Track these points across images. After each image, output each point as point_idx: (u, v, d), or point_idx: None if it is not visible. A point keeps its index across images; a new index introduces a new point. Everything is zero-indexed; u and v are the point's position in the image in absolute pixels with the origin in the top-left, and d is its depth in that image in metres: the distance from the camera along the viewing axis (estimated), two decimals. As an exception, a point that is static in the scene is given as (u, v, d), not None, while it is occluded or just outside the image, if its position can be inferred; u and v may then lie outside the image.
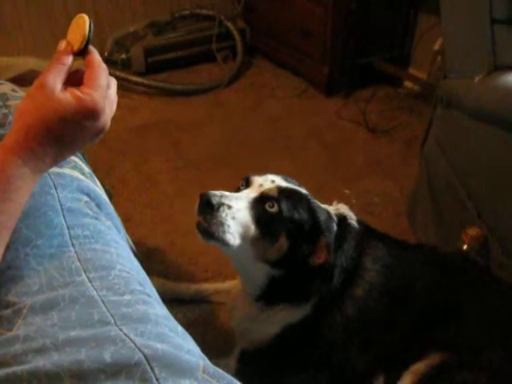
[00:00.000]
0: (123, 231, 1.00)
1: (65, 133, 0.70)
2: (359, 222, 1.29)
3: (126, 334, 0.65)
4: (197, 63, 3.22)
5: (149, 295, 0.76)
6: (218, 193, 1.12)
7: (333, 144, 2.43)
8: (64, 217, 0.82)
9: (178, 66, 3.17)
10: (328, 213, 1.24)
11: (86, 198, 0.90)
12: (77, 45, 0.74)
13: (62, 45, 0.74)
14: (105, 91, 0.72)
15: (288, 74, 3.09)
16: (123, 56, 3.07)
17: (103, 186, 1.29)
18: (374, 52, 2.86)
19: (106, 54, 3.10)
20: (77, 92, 0.70)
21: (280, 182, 1.21)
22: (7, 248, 0.71)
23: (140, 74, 3.02)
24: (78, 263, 0.75)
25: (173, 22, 3.24)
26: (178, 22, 3.26)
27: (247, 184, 1.23)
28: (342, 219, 1.26)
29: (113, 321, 0.67)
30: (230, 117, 2.74)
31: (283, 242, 1.15)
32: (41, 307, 0.68)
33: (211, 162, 2.36)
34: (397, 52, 2.95)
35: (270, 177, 1.22)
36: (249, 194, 1.17)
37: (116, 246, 0.82)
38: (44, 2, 2.88)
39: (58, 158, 0.73)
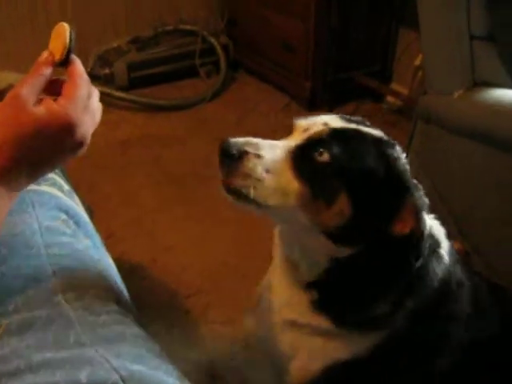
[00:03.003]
0: (102, 249, 0.99)
1: (39, 148, 0.66)
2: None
3: (102, 356, 0.64)
4: (180, 78, 3.21)
5: (126, 315, 0.75)
6: (241, 139, 0.86)
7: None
8: (41, 236, 0.81)
9: (161, 81, 3.17)
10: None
11: (64, 216, 0.89)
12: (58, 54, 0.71)
13: (43, 55, 0.71)
14: (84, 102, 0.69)
15: (271, 88, 3.10)
16: (106, 71, 3.06)
17: (83, 203, 1.28)
18: (356, 67, 2.89)
19: (89, 69, 3.08)
20: (51, 104, 0.66)
21: (336, 123, 0.89)
22: (-18, 268, 0.70)
23: (123, 89, 3.01)
24: (55, 283, 0.74)
25: (156, 38, 3.24)
26: (161, 37, 3.26)
27: (291, 132, 0.94)
28: (433, 245, 0.92)
29: (89, 342, 0.66)
30: (213, 132, 2.73)
31: (344, 203, 0.83)
32: (17, 328, 0.67)
33: (194, 177, 2.35)
34: (379, 67, 2.97)
35: (322, 118, 0.90)
36: (289, 142, 0.88)
37: (94, 264, 0.82)
38: (27, 17, 2.88)
39: (35, 175, 0.70)
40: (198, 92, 3.05)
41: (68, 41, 0.71)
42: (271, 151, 0.84)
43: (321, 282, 0.91)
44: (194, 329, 1.66)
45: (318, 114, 0.91)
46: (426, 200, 0.88)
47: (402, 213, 0.84)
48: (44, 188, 0.94)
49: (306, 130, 0.88)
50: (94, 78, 3.00)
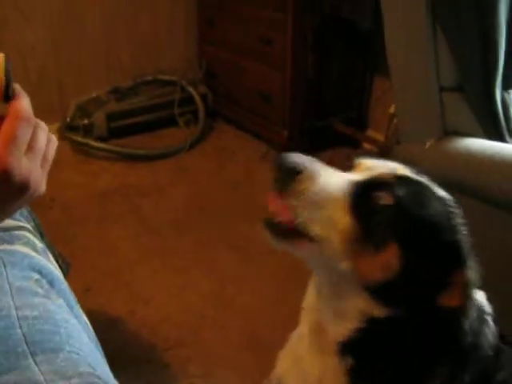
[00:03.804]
0: (76, 307, 0.98)
1: None
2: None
3: (72, 423, 0.63)
4: (159, 128, 3.24)
5: (99, 377, 0.74)
6: (302, 156, 0.79)
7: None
8: (12, 297, 0.80)
9: (140, 130, 3.19)
10: None
11: (36, 276, 0.88)
12: None
13: None
14: (22, 144, 0.63)
15: (249, 137, 3.14)
16: (85, 121, 3.08)
17: (60, 258, 1.28)
18: (332, 114, 2.94)
19: (68, 119, 3.10)
20: None
21: (403, 170, 0.83)
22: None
23: (102, 139, 3.03)
24: (25, 346, 0.73)
25: (135, 88, 3.29)
26: (141, 87, 3.30)
27: (352, 168, 0.87)
28: (481, 312, 0.83)
29: (59, 408, 0.65)
30: (193, 181, 2.75)
31: (392, 254, 0.75)
32: (-17, 395, 0.66)
33: (173, 227, 2.35)
34: (355, 114, 3.03)
35: (390, 164, 0.84)
36: (351, 176, 0.81)
37: (66, 325, 0.80)
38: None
39: None
40: (177, 141, 3.07)
41: (3, 74, 0.64)
42: (330, 177, 0.78)
43: (354, 345, 0.81)
44: (172, 382, 1.63)
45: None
46: (477, 276, 0.79)
47: (452, 285, 0.77)
48: (17, 247, 0.93)
49: (369, 168, 0.83)
50: (73, 129, 3.03)
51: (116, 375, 0.84)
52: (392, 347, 0.78)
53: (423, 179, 0.83)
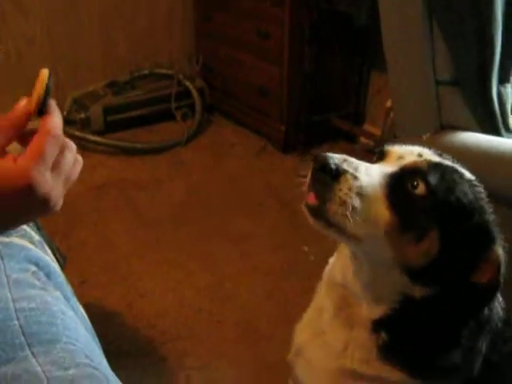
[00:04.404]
0: (73, 299, 0.98)
1: None
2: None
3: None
4: (156, 122, 3.24)
5: (95, 368, 0.74)
6: (339, 155, 0.78)
7: (291, 201, 2.46)
8: (9, 289, 0.80)
9: (137, 124, 3.20)
10: None
11: (33, 268, 0.88)
12: (33, 104, 0.66)
13: (21, 103, 0.67)
14: (49, 160, 0.64)
15: (246, 131, 3.14)
16: (82, 115, 3.08)
17: (57, 251, 1.28)
18: (329, 109, 2.94)
19: (64, 113, 3.10)
20: (9, 161, 0.63)
21: (431, 156, 0.85)
22: None
23: (99, 133, 3.02)
24: (23, 338, 0.73)
25: (132, 82, 3.28)
26: (137, 81, 3.30)
27: (381, 157, 0.88)
28: None
29: (56, 398, 0.65)
30: (189, 175, 2.75)
31: (433, 241, 0.78)
32: (-19, 386, 0.66)
33: (169, 221, 2.35)
34: (352, 109, 3.04)
35: (417, 149, 0.86)
36: (383, 167, 0.82)
37: (63, 317, 0.81)
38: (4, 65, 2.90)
39: None
40: (174, 135, 3.07)
41: (43, 89, 0.66)
42: (367, 174, 0.78)
43: (389, 322, 0.84)
44: (170, 376, 1.63)
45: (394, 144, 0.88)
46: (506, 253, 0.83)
47: (484, 263, 0.81)
48: (14, 240, 0.93)
49: (400, 157, 0.84)
50: (70, 123, 3.03)
51: (113, 368, 0.85)
52: (424, 323, 0.83)
53: (451, 163, 0.85)
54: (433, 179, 0.78)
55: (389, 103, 2.64)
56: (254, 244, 2.19)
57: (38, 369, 0.69)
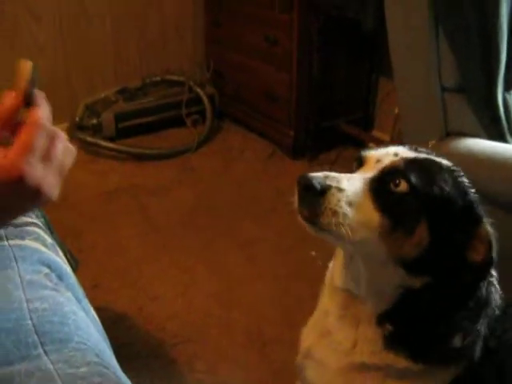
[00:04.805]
0: (84, 301, 1.01)
1: None
2: None
3: (80, 408, 0.66)
4: (167, 128, 3.28)
5: (106, 367, 0.77)
6: (319, 174, 0.83)
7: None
8: (23, 290, 0.84)
9: (148, 130, 3.23)
10: None
11: (46, 270, 0.91)
12: (19, 97, 0.65)
13: (7, 96, 0.65)
14: (38, 152, 0.64)
15: (256, 137, 3.16)
16: (94, 121, 3.11)
17: (69, 254, 1.31)
18: (338, 115, 2.96)
19: (77, 119, 3.14)
20: None
21: (406, 153, 0.89)
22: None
23: (111, 139, 3.07)
24: (36, 337, 0.76)
25: (143, 88, 3.32)
26: (149, 87, 3.34)
27: (360, 164, 0.92)
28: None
29: (68, 394, 0.68)
30: (199, 181, 2.78)
31: (423, 232, 0.83)
32: (-4, 383, 0.69)
33: (179, 226, 2.38)
34: (360, 115, 3.05)
35: (392, 149, 0.90)
36: (364, 173, 0.87)
37: (74, 317, 0.84)
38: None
39: None
40: (185, 141, 3.10)
41: (28, 81, 0.65)
42: (351, 184, 0.83)
43: (393, 314, 0.89)
44: (179, 378, 1.66)
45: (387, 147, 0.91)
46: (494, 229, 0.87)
47: (475, 241, 0.85)
48: (27, 243, 0.96)
49: (377, 161, 0.88)
50: (83, 128, 3.07)
51: (124, 370, 0.87)
52: (424, 310, 0.87)
53: (427, 155, 0.90)
54: (411, 175, 0.82)
55: (397, 109, 2.65)
56: (262, 249, 2.21)
57: (51, 366, 0.72)
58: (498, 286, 0.94)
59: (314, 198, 0.80)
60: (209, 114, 3.22)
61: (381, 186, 0.83)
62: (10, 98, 0.64)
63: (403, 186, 0.82)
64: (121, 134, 3.14)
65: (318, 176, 0.81)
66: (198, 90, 3.28)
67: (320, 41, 2.71)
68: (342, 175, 0.84)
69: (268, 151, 3.00)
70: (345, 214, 0.79)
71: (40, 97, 0.67)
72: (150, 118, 3.24)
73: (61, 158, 0.67)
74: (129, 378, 0.85)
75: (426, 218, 0.82)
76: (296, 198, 0.83)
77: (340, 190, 0.81)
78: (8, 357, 0.73)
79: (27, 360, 0.73)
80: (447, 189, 0.84)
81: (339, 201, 0.80)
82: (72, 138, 3.06)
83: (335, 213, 0.79)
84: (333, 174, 0.83)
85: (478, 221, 0.86)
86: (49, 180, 0.65)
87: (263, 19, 2.88)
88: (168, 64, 3.41)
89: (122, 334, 1.78)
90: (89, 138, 2.99)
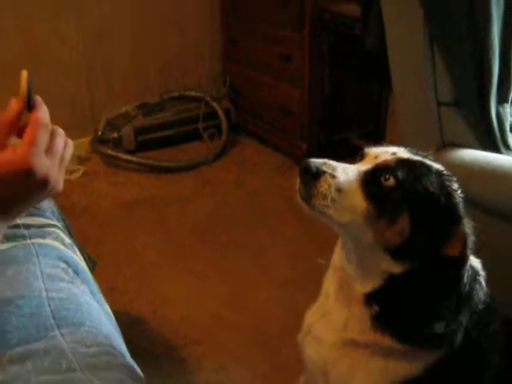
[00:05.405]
0: (99, 295, 1.12)
1: (3, 191, 0.71)
2: None
3: (89, 379, 0.76)
4: (184, 141, 3.40)
5: (114, 348, 0.87)
6: (319, 160, 0.95)
7: (309, 216, 2.56)
8: (43, 281, 0.95)
9: (166, 144, 3.35)
10: None
11: (63, 265, 1.02)
12: (21, 102, 0.74)
13: (11, 103, 0.74)
14: (42, 146, 0.72)
15: (270, 150, 3.27)
16: (115, 135, 3.25)
17: (88, 256, 1.43)
18: (349, 128, 3.06)
19: (99, 132, 3.28)
20: (8, 153, 0.71)
21: (403, 154, 1.00)
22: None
23: (130, 152, 3.19)
24: (53, 321, 0.87)
25: (162, 103, 3.44)
26: (167, 103, 3.46)
27: (361, 158, 1.04)
28: (474, 273, 1.03)
29: (79, 368, 0.78)
30: (215, 192, 2.89)
31: (404, 223, 0.93)
32: (18, 358, 0.80)
33: (194, 235, 2.49)
34: (371, 128, 3.14)
35: (391, 149, 1.02)
36: (360, 166, 0.98)
37: (87, 306, 0.94)
38: (44, 83, 3.09)
39: (10, 213, 0.76)
40: (201, 154, 3.22)
41: (26, 88, 0.74)
42: (344, 173, 0.94)
43: (379, 295, 0.98)
44: (189, 376, 1.75)
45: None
46: (472, 234, 0.97)
47: (453, 238, 0.95)
48: (48, 241, 1.08)
49: (375, 157, 0.99)
50: (104, 142, 3.21)
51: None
52: (408, 295, 0.97)
53: (419, 158, 1.00)
54: (400, 172, 0.93)
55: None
56: (273, 257, 2.31)
57: (65, 345, 0.83)
58: (484, 284, 1.04)
59: (311, 181, 0.92)
60: (224, 128, 3.34)
61: (372, 179, 0.94)
62: (13, 104, 0.73)
63: (391, 181, 0.93)
64: (140, 147, 3.26)
65: (316, 161, 0.93)
66: (215, 104, 3.39)
67: (331, 57, 2.82)
68: (340, 164, 0.95)
69: (281, 164, 3.10)
70: (333, 198, 0.91)
71: (38, 100, 0.76)
72: (168, 132, 3.36)
73: (62, 150, 0.76)
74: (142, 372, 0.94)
75: (408, 210, 0.93)
76: (298, 180, 0.95)
77: (333, 176, 0.92)
78: (29, 337, 0.83)
79: (45, 340, 0.83)
80: (431, 188, 0.94)
81: (330, 186, 0.91)
82: (94, 151, 3.21)
83: (325, 196, 0.91)
84: (332, 162, 0.95)
85: (457, 221, 0.95)
86: (54, 171, 0.73)
87: (277, 37, 3.00)
88: (186, 80, 3.54)
89: (136, 335, 1.88)
90: (110, 151, 3.12)
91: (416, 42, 1.60)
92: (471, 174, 1.51)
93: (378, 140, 3.14)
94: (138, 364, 0.99)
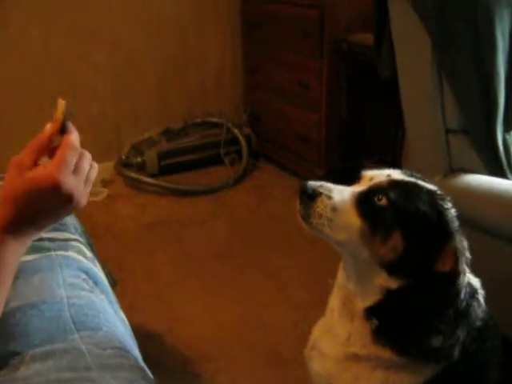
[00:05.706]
0: (116, 305, 1.19)
1: (33, 204, 0.77)
2: None
3: (104, 377, 0.83)
4: (206, 166, 3.50)
5: (127, 351, 0.94)
6: (316, 182, 1.01)
7: (322, 239, 2.61)
8: (65, 289, 1.03)
9: (188, 168, 3.46)
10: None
11: (84, 276, 1.11)
12: (55, 127, 0.82)
13: (47, 126, 0.82)
14: (71, 165, 0.79)
15: (288, 175, 3.35)
16: (139, 159, 3.37)
17: (108, 272, 1.51)
18: (365, 155, 3.11)
19: (123, 157, 3.40)
20: (40, 169, 0.77)
21: (397, 175, 1.05)
22: (17, 309, 0.92)
23: (153, 176, 3.30)
24: (72, 325, 0.95)
25: (185, 129, 3.56)
26: (190, 128, 3.57)
27: (358, 180, 1.09)
28: (472, 291, 1.06)
29: (95, 367, 0.85)
30: (233, 215, 2.97)
31: (397, 240, 0.98)
32: (40, 356, 0.87)
33: (211, 255, 2.56)
34: (388, 155, 3.19)
35: (386, 171, 1.06)
36: (356, 188, 1.04)
37: (104, 313, 1.02)
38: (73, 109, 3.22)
39: (38, 226, 0.82)
40: (222, 178, 3.31)
41: (61, 115, 0.83)
42: (340, 194, 1.00)
43: (378, 310, 1.03)
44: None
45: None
46: (468, 252, 1.02)
47: (444, 254, 0.99)
48: (71, 254, 1.17)
49: (371, 179, 1.05)
50: (128, 166, 3.32)
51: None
52: (405, 309, 1.01)
53: (412, 179, 1.05)
54: (392, 193, 0.99)
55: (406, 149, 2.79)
56: (288, 278, 2.37)
57: (83, 347, 0.90)
58: (483, 301, 1.08)
59: (309, 201, 0.99)
60: (245, 154, 3.43)
61: (366, 199, 1.00)
62: (48, 128, 0.81)
63: (384, 201, 0.98)
64: (163, 171, 3.37)
65: (313, 183, 1.01)
66: (236, 131, 3.50)
67: (348, 85, 2.91)
68: (337, 186, 1.02)
69: (298, 188, 3.16)
70: (329, 218, 0.98)
71: (71, 126, 0.84)
72: (190, 157, 3.48)
73: (87, 171, 0.83)
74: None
75: (400, 228, 0.98)
76: (298, 201, 1.02)
77: (329, 197, 0.99)
78: (50, 338, 0.91)
79: (65, 341, 0.90)
80: (422, 207, 0.99)
81: (326, 206, 0.98)
82: (118, 174, 3.32)
83: (321, 215, 0.98)
84: (328, 184, 1.02)
85: (448, 237, 1.00)
86: (79, 188, 0.81)
87: (296, 65, 3.11)
88: (208, 107, 3.66)
89: (153, 351, 1.93)
90: (132, 174, 3.23)
91: (425, 72, 1.67)
92: (478, 198, 1.56)
93: (394, 166, 3.18)
94: (154, 379, 1.04)
